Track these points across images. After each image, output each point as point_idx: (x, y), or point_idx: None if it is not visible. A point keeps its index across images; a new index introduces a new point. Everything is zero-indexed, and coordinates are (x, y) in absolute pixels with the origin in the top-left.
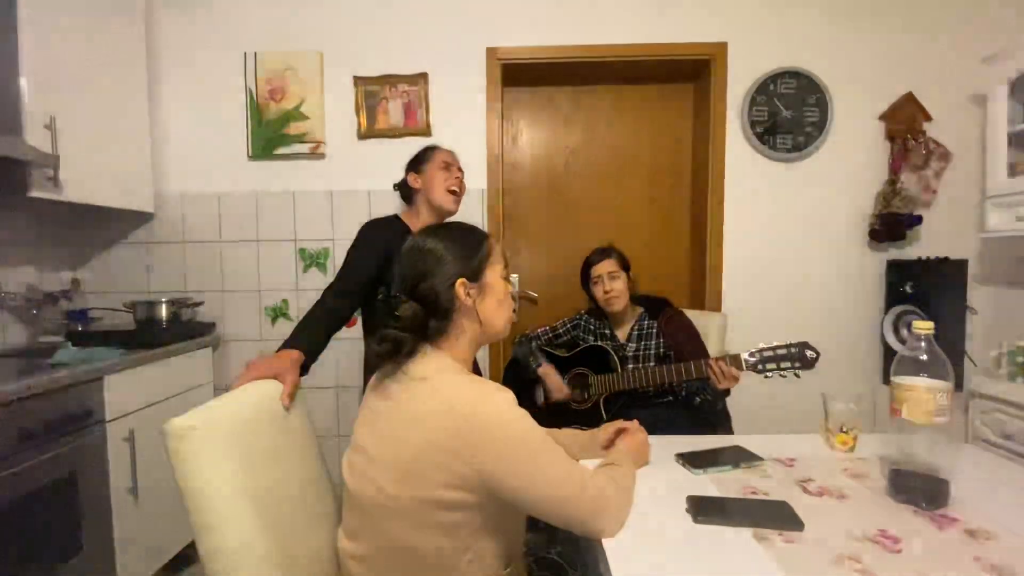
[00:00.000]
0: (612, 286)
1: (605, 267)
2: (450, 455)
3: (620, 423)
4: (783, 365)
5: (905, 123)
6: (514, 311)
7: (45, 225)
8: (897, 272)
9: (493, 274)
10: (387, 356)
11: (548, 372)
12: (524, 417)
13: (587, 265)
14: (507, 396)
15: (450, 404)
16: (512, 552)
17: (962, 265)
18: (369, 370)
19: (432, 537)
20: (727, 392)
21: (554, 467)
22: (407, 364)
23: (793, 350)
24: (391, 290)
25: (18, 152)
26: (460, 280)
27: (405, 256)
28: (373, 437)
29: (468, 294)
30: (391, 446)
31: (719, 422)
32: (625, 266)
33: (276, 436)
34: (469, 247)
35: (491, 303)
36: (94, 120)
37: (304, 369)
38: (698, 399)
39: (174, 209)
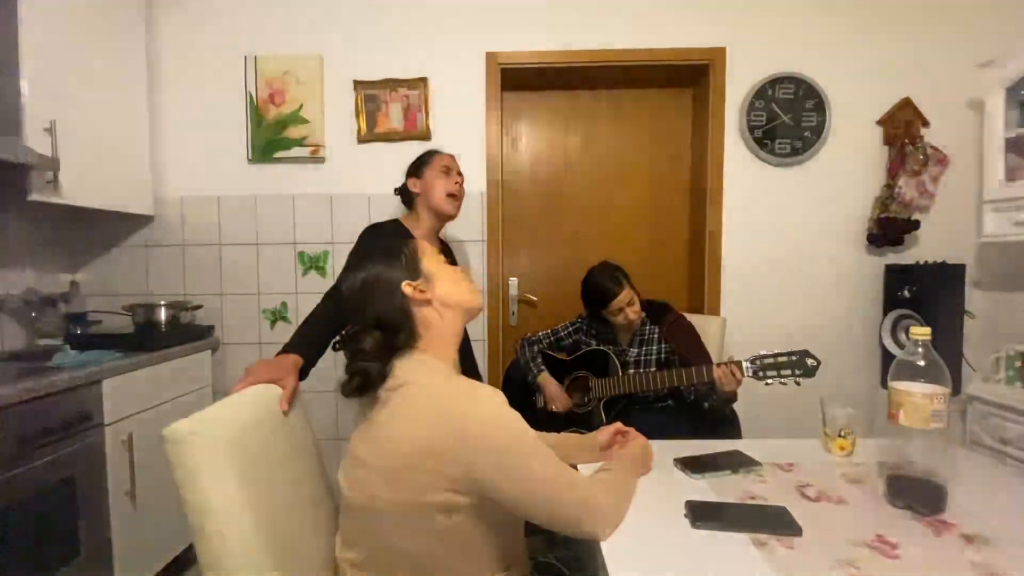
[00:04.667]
0: (632, 313)
1: (624, 298)
2: (441, 458)
3: (619, 425)
4: (783, 373)
5: (903, 128)
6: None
7: (44, 228)
8: (895, 276)
9: (430, 262)
10: (359, 391)
11: (547, 381)
12: (514, 418)
13: (601, 295)
14: (497, 396)
15: (439, 406)
16: (511, 556)
17: (960, 269)
18: None
19: (428, 542)
20: (734, 398)
21: (543, 468)
22: (384, 386)
23: (794, 358)
24: (347, 332)
25: (18, 155)
26: (403, 282)
27: (345, 299)
28: (366, 444)
29: (418, 289)
30: (383, 452)
31: (726, 426)
32: (630, 282)
33: (275, 441)
34: (393, 254)
35: (445, 285)
36: (94, 123)
37: (303, 373)
38: (706, 404)
39: (173, 212)
